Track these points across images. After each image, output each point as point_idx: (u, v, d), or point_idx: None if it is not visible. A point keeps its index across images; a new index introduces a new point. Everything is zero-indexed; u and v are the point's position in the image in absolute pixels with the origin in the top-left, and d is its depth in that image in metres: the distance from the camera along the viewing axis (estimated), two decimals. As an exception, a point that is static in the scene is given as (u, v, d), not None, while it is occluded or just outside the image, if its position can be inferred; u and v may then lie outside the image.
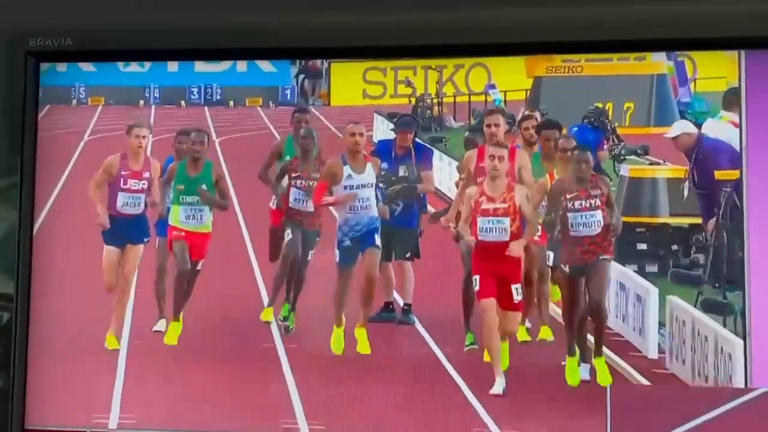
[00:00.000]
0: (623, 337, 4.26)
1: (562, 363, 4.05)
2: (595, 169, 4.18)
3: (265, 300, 4.42)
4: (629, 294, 4.25)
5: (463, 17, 3.68)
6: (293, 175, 4.53)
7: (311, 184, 4.50)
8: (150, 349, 4.23)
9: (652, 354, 4.09)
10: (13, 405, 3.93)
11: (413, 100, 4.30)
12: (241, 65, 4.44)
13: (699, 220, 4.06)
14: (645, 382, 3.95)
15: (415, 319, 4.29)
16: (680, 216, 4.18)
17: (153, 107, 4.43)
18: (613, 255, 4.11)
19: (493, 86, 4.24)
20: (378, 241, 4.39)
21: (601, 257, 4.11)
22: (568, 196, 4.14)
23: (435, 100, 4.37)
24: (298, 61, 4.38)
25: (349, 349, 4.12)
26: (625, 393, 3.73)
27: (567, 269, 4.18)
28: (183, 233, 4.54)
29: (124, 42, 3.93)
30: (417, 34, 3.74)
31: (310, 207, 4.51)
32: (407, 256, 4.46)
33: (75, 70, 4.29)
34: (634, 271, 4.18)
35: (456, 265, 4.25)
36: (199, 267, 4.52)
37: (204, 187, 4.53)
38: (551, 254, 4.25)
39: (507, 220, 4.18)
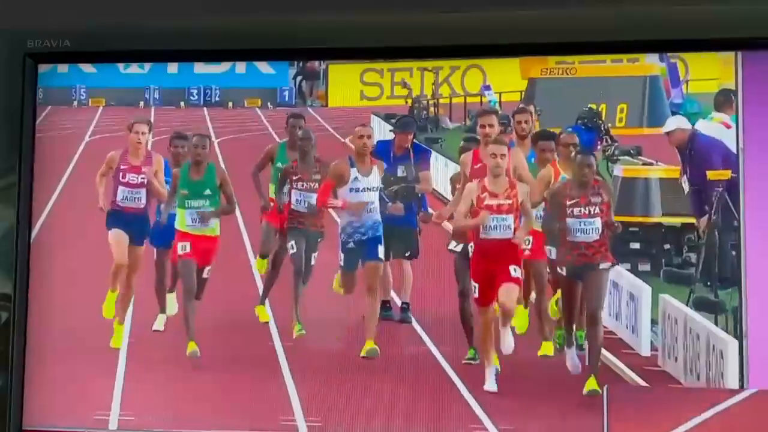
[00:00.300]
0: (616, 334, 4.27)
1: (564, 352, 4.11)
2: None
3: (271, 314, 4.43)
4: (622, 292, 4.26)
5: (459, 19, 3.69)
6: (294, 177, 4.53)
7: (313, 185, 4.50)
8: (149, 348, 4.26)
9: (645, 352, 4.11)
10: (11, 405, 3.93)
11: (410, 101, 4.33)
12: (240, 67, 4.44)
13: (692, 220, 4.08)
14: (638, 379, 3.97)
15: (413, 318, 4.30)
16: (673, 215, 4.21)
17: (153, 108, 4.45)
18: (613, 261, 4.11)
19: (488, 87, 4.25)
20: (381, 253, 4.38)
21: (600, 265, 4.11)
22: (568, 203, 4.13)
23: (431, 102, 4.39)
24: (296, 63, 4.39)
25: (348, 348, 4.12)
26: (622, 393, 3.76)
27: (564, 271, 4.17)
28: (188, 244, 4.49)
29: (122, 43, 3.93)
30: (414, 36, 3.74)
31: (310, 209, 4.51)
32: (406, 255, 4.47)
33: (76, 72, 4.30)
34: (628, 270, 4.18)
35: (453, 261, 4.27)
36: (205, 275, 4.48)
37: (204, 212, 4.49)
38: (552, 249, 4.25)
39: (511, 218, 4.18)
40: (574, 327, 4.16)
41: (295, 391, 4.01)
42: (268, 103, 4.54)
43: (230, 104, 4.54)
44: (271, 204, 4.62)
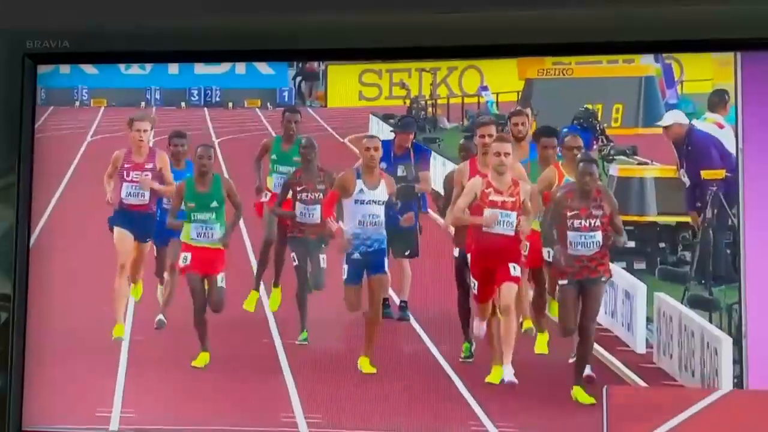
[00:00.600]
0: (612, 332, 4.29)
1: (570, 361, 4.10)
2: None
3: (265, 299, 4.46)
4: (618, 290, 4.28)
5: (457, 19, 3.70)
6: (298, 188, 4.52)
7: (317, 196, 4.50)
8: (150, 346, 4.26)
9: (640, 349, 4.13)
10: (10, 405, 3.92)
11: (408, 101, 4.34)
12: (240, 68, 4.45)
13: (687, 219, 4.10)
14: (633, 376, 3.99)
15: (411, 316, 4.33)
16: (668, 214, 4.21)
17: (154, 108, 4.46)
18: (610, 274, 4.12)
19: (485, 88, 4.27)
20: (386, 267, 4.35)
21: (601, 278, 4.11)
22: (568, 214, 4.12)
23: (429, 102, 4.39)
24: (295, 64, 4.40)
25: (347, 348, 4.12)
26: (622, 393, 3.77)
27: (563, 283, 4.15)
28: (189, 255, 4.46)
29: (121, 44, 3.93)
30: (412, 36, 3.75)
31: (316, 219, 4.50)
32: (406, 254, 4.48)
33: (77, 72, 4.32)
34: (623, 268, 4.19)
35: (452, 262, 4.28)
36: (220, 284, 4.42)
37: (213, 222, 4.46)
38: (550, 251, 4.25)
39: (514, 215, 4.19)
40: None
41: (295, 388, 4.03)
42: (268, 104, 4.55)
43: (230, 105, 4.55)
44: (269, 194, 4.63)
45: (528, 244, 4.26)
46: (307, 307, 4.37)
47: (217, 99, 4.52)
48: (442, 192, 4.52)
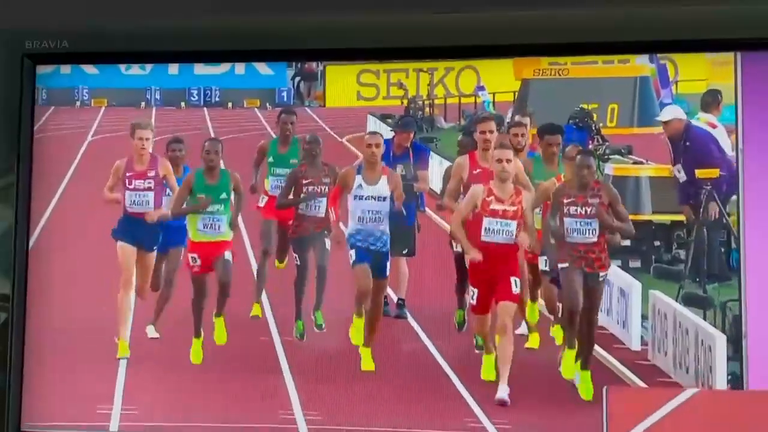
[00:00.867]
0: (608, 330, 4.29)
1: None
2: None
3: (269, 309, 4.46)
4: (613, 288, 4.28)
5: (454, 20, 3.71)
6: (304, 182, 4.53)
7: (323, 189, 4.50)
8: (149, 344, 4.30)
9: (635, 346, 4.15)
10: (9, 405, 3.92)
11: (405, 101, 4.35)
12: (239, 68, 4.47)
13: (681, 218, 4.11)
14: (628, 373, 4.01)
15: (408, 314, 4.33)
16: (662, 213, 4.22)
17: (154, 108, 4.46)
18: (608, 270, 4.12)
19: (482, 88, 4.29)
20: (388, 272, 4.36)
21: (600, 276, 4.10)
22: (565, 201, 4.12)
23: (426, 102, 4.41)
24: (294, 64, 4.41)
25: (345, 346, 4.14)
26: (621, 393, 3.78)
27: (566, 265, 4.13)
28: (198, 258, 4.46)
29: (120, 44, 3.93)
30: (410, 37, 3.77)
31: (321, 212, 4.51)
32: (404, 252, 4.47)
33: (78, 73, 4.33)
34: (619, 267, 4.19)
35: (450, 261, 4.29)
36: (227, 257, 4.44)
37: (221, 214, 4.46)
38: (545, 260, 4.26)
39: (514, 224, 4.17)
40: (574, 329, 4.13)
41: (293, 386, 4.04)
42: (267, 104, 4.56)
43: (230, 104, 4.56)
44: (266, 197, 4.64)
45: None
46: (303, 301, 4.38)
47: (217, 99, 4.53)
48: (439, 190, 4.54)
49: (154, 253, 4.57)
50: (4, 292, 3.96)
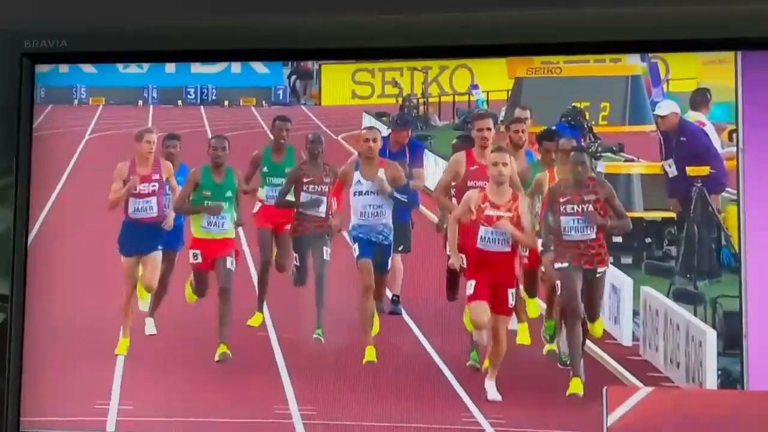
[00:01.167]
0: (599, 325, 4.31)
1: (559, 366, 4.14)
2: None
3: (265, 305, 4.47)
4: (605, 284, 4.24)
5: (448, 19, 3.71)
6: (305, 180, 4.53)
7: (324, 188, 4.51)
8: (147, 341, 4.32)
9: (627, 342, 4.17)
10: (7, 406, 3.90)
11: (400, 100, 4.37)
12: (236, 67, 4.48)
13: (672, 215, 4.12)
14: (620, 368, 4.03)
15: (403, 310, 4.34)
16: (654, 210, 4.24)
17: (151, 107, 4.49)
18: (607, 266, 4.13)
19: (476, 87, 4.29)
20: (389, 266, 4.38)
21: (598, 271, 4.11)
22: (561, 200, 4.12)
23: (421, 100, 4.42)
24: (290, 63, 4.43)
25: (341, 341, 4.14)
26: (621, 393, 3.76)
27: (564, 265, 4.13)
28: (199, 253, 4.48)
29: (119, 43, 3.92)
30: (405, 36, 3.76)
31: (322, 212, 4.52)
32: (399, 249, 4.48)
33: (76, 71, 4.33)
34: (610, 263, 4.18)
35: (444, 258, 4.28)
36: (229, 266, 4.47)
37: (226, 211, 4.50)
38: (539, 240, 4.24)
39: (509, 231, 4.16)
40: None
41: (289, 381, 4.06)
42: (263, 102, 4.55)
43: (226, 103, 4.57)
44: (259, 204, 4.66)
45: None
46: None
47: (213, 97, 4.54)
48: (433, 187, 4.53)
49: (160, 252, 4.56)
50: (2, 293, 3.94)
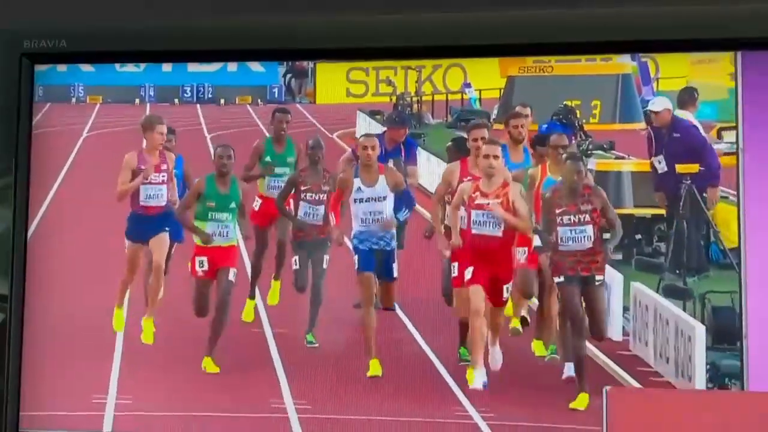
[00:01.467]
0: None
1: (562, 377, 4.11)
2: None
3: (260, 300, 4.50)
4: None
5: (441, 20, 3.71)
6: (302, 188, 4.54)
7: (322, 197, 4.52)
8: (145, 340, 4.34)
9: (617, 336, 4.18)
10: (7, 406, 3.89)
11: (394, 98, 4.36)
12: (232, 65, 4.50)
13: (661, 211, 4.14)
14: (610, 363, 4.05)
15: (396, 305, 4.34)
16: (643, 207, 4.26)
17: (148, 105, 4.50)
18: (604, 274, 4.11)
19: (468, 85, 4.32)
20: (395, 272, 4.36)
21: (595, 278, 4.10)
22: (557, 211, 4.12)
23: (414, 99, 4.44)
24: (285, 62, 4.45)
25: (336, 338, 4.15)
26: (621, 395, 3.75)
27: (561, 279, 4.14)
28: (205, 260, 4.48)
29: (118, 43, 3.91)
30: (400, 37, 3.76)
31: (320, 220, 4.53)
32: None
33: (74, 70, 4.34)
34: None
35: (439, 256, 4.32)
36: (231, 277, 4.47)
37: (229, 222, 4.47)
38: (536, 237, 4.25)
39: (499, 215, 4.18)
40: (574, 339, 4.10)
41: (284, 376, 4.07)
42: (259, 100, 4.57)
43: (222, 101, 4.58)
44: (260, 200, 4.67)
45: (526, 248, 4.28)
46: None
47: (209, 96, 4.56)
48: (427, 185, 4.57)
49: (167, 233, 4.56)
50: (2, 293, 3.93)
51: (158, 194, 4.53)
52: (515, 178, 4.31)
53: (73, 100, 4.43)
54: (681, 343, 3.95)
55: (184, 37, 3.86)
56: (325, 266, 4.44)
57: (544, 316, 4.33)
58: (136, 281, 4.52)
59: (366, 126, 4.56)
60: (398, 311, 4.33)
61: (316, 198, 4.53)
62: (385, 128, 4.49)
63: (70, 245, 4.17)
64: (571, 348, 4.09)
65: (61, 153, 4.21)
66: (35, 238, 4.06)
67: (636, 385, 3.99)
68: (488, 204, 4.19)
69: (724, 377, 3.77)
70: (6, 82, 3.97)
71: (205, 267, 4.49)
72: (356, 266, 4.35)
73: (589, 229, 4.09)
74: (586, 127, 4.29)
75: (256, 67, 4.52)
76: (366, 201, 4.37)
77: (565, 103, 4.22)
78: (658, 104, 4.17)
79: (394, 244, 4.38)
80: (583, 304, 4.11)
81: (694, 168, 4.09)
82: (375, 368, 4.09)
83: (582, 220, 4.07)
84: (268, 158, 4.63)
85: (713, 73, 3.89)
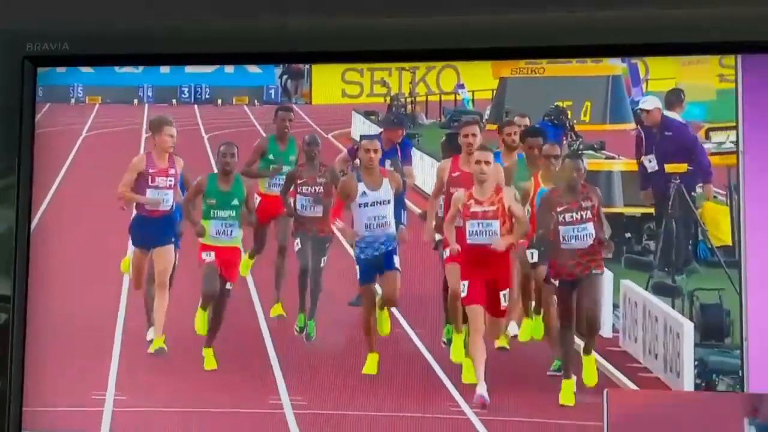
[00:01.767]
0: (580, 318, 4.32)
1: (548, 373, 4.12)
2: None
3: (253, 291, 4.51)
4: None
5: (434, 24, 3.71)
6: (299, 181, 4.56)
7: (317, 189, 4.54)
8: (143, 337, 4.34)
9: (607, 333, 4.21)
10: (10, 407, 3.88)
11: (388, 99, 4.42)
12: (229, 67, 4.55)
13: (651, 210, 4.17)
14: (600, 359, 4.07)
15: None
16: (633, 206, 4.28)
17: (146, 105, 4.51)
18: (603, 269, 4.13)
19: (462, 86, 4.36)
20: (397, 263, 4.34)
21: (593, 272, 4.11)
22: (558, 209, 4.11)
23: (408, 99, 4.46)
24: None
25: (332, 334, 4.16)
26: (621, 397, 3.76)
27: (557, 283, 4.15)
28: (212, 253, 4.47)
29: (120, 46, 3.89)
30: (392, 39, 3.76)
31: (318, 212, 4.54)
32: None
33: (73, 71, 4.36)
34: None
35: (433, 253, 4.37)
36: (228, 286, 4.47)
37: (233, 219, 4.47)
38: (534, 252, 4.27)
39: (496, 223, 4.17)
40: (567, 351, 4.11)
41: (281, 373, 4.09)
42: (255, 101, 4.60)
43: (219, 102, 4.61)
44: (259, 198, 4.68)
45: (536, 251, 4.27)
46: (306, 299, 4.40)
47: (207, 96, 4.59)
48: (422, 185, 4.61)
49: (172, 246, 4.54)
50: (4, 293, 3.92)
51: (165, 199, 4.50)
52: (506, 171, 4.34)
53: (73, 100, 4.45)
54: (670, 340, 3.98)
55: (192, 40, 3.85)
56: (322, 265, 4.48)
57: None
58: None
59: (362, 126, 4.60)
60: (393, 308, 4.35)
61: (312, 190, 4.55)
62: (381, 129, 4.51)
63: (70, 244, 4.17)
64: (561, 343, 4.13)
65: (62, 153, 4.21)
66: (35, 237, 4.04)
67: (625, 380, 4.02)
68: (482, 212, 4.18)
69: (711, 373, 3.80)
70: (8, 85, 3.95)
71: (212, 257, 4.48)
72: (358, 277, 4.36)
73: (590, 227, 4.10)
74: (576, 128, 4.31)
75: (252, 68, 4.56)
76: (371, 205, 4.35)
77: (556, 103, 4.24)
78: (650, 103, 4.20)
79: (395, 245, 4.37)
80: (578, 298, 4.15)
81: (683, 168, 4.13)
82: (371, 365, 4.10)
83: (584, 217, 4.08)
84: (270, 156, 4.65)
85: (701, 75, 3.92)
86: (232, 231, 4.51)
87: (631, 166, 4.31)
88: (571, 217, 4.10)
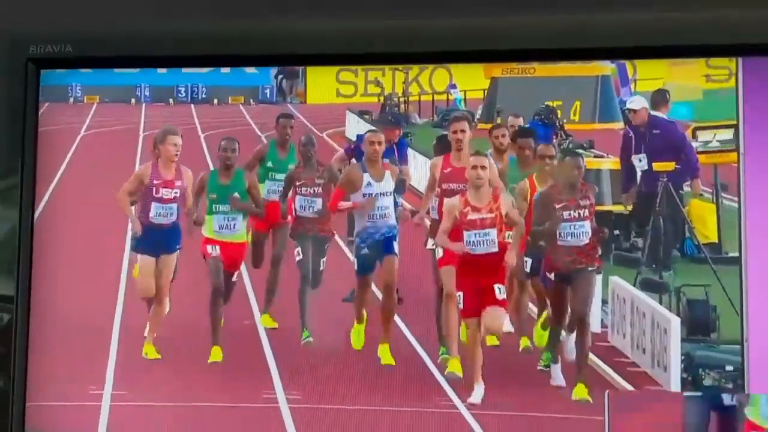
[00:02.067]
0: (570, 314, 4.34)
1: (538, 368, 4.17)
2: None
3: (252, 291, 4.53)
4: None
5: (426, 27, 3.73)
6: (297, 183, 4.57)
7: (317, 190, 4.56)
8: (141, 331, 4.38)
9: (596, 328, 4.23)
10: (12, 408, 3.88)
11: (382, 98, 4.45)
12: (225, 67, 4.58)
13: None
14: (589, 354, 4.11)
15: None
16: (622, 204, 4.31)
17: (143, 105, 4.52)
18: (601, 264, 4.14)
19: (454, 86, 4.39)
20: (396, 248, 4.36)
21: (588, 268, 4.12)
22: (557, 206, 4.12)
23: (402, 99, 4.48)
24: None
25: (327, 329, 4.18)
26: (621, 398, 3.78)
27: (552, 276, 4.16)
28: (218, 247, 4.47)
29: (123, 48, 3.89)
30: (387, 42, 3.77)
31: (317, 212, 4.55)
32: None
33: (72, 71, 4.33)
34: None
35: (428, 252, 4.40)
36: (234, 279, 4.49)
37: (236, 195, 4.48)
38: (529, 261, 4.31)
39: (494, 231, 4.16)
40: (563, 335, 4.14)
41: (275, 367, 4.12)
42: (251, 100, 4.61)
43: (215, 101, 4.63)
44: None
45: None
46: (307, 305, 4.40)
47: (203, 96, 4.61)
48: (415, 184, 4.63)
49: (175, 254, 4.52)
50: (7, 294, 3.91)
51: (168, 212, 4.47)
52: (501, 171, 4.36)
53: (71, 99, 4.45)
54: (657, 335, 4.01)
55: (195, 42, 3.84)
56: (321, 268, 4.51)
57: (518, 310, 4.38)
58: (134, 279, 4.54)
59: (355, 125, 4.62)
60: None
61: (311, 191, 4.56)
62: (375, 128, 4.53)
63: (69, 242, 4.17)
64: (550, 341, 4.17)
65: (60, 152, 4.21)
66: (35, 236, 4.04)
67: (613, 374, 4.06)
68: (479, 220, 4.16)
69: (698, 368, 3.84)
70: (12, 87, 3.94)
71: (217, 251, 4.49)
72: (355, 268, 4.39)
73: (587, 225, 4.11)
74: (566, 127, 4.35)
75: (248, 68, 4.60)
76: (375, 196, 4.40)
77: (546, 103, 4.27)
78: (636, 103, 4.24)
79: (395, 232, 4.40)
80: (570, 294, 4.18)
81: (671, 166, 4.18)
82: (386, 357, 4.14)
83: (581, 215, 4.10)
84: (269, 163, 4.67)
85: (688, 75, 3.97)
86: (235, 224, 4.51)
87: (620, 165, 4.35)
88: (569, 214, 4.11)
